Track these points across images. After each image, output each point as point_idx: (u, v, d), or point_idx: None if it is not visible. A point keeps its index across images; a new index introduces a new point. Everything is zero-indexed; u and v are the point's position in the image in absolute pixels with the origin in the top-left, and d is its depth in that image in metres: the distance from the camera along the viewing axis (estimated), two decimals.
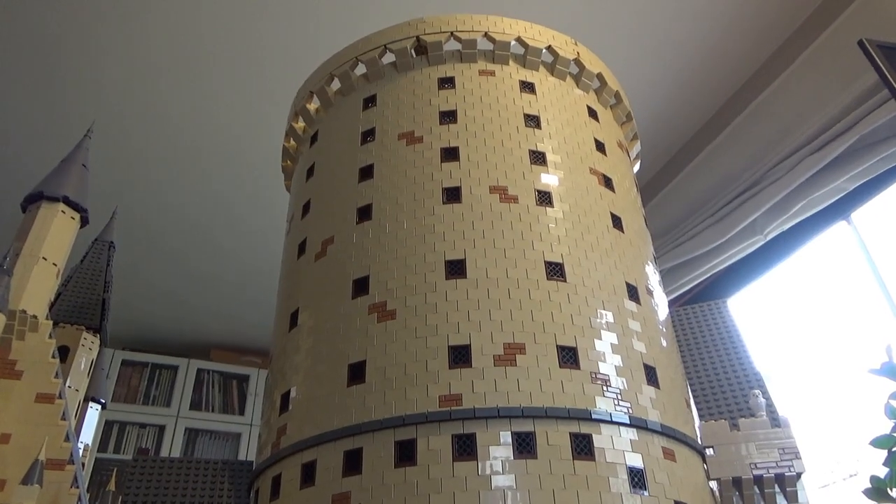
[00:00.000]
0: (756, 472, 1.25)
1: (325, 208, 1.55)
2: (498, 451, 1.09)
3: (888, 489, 2.01)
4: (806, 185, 2.59)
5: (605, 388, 1.19)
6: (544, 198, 1.41)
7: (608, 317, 1.29)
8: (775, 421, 1.30)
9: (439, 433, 1.11)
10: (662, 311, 1.48)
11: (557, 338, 1.22)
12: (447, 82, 1.59)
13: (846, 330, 2.72)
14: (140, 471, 1.51)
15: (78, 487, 1.38)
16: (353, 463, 1.14)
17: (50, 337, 1.49)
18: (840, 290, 2.79)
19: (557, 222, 1.38)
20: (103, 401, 2.34)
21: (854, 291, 2.70)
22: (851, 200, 2.64)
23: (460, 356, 1.18)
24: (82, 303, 1.99)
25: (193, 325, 4.73)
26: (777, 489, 1.25)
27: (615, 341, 1.26)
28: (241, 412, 4.66)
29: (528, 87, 1.61)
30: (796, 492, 1.25)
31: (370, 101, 1.64)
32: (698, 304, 1.66)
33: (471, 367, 1.17)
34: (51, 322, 1.50)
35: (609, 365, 1.22)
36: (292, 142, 1.88)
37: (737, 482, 1.26)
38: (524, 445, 1.10)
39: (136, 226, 3.76)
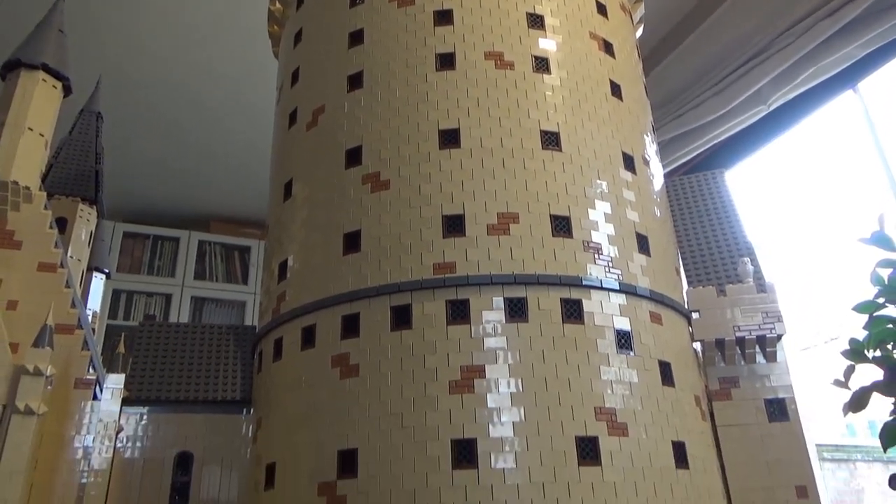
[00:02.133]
0: (739, 334, 1.31)
1: (314, 76, 1.50)
2: (490, 315, 1.12)
3: (865, 350, 2.11)
4: (815, 52, 2.50)
5: (596, 255, 1.21)
6: (541, 64, 1.36)
7: (603, 186, 1.29)
8: (761, 287, 1.34)
9: (433, 299, 1.14)
10: (658, 181, 1.47)
11: (551, 207, 1.22)
12: None
13: (843, 201, 2.73)
14: (148, 335, 1.57)
15: (89, 350, 1.44)
16: (350, 327, 1.18)
17: (45, 208, 1.49)
18: (840, 162, 2.77)
19: (554, 90, 1.34)
20: (107, 270, 2.39)
21: (854, 163, 2.68)
22: (859, 69, 2.55)
23: (454, 225, 1.19)
24: (75, 174, 1.98)
25: (192, 198, 4.73)
26: (757, 349, 1.31)
27: (608, 211, 1.27)
28: (245, 282, 4.77)
29: None
30: (776, 352, 1.31)
31: None
32: (694, 175, 1.65)
33: (464, 236, 1.19)
34: (44, 193, 1.50)
35: (601, 234, 1.24)
36: (278, 4, 1.78)
37: (720, 343, 1.32)
38: (516, 310, 1.13)
39: (126, 97, 3.66)
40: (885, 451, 2.44)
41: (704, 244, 1.47)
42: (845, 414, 2.83)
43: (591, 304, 1.16)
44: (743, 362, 1.32)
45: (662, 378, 1.18)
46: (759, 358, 1.31)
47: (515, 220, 1.20)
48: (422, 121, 1.30)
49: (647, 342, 1.19)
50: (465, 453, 1.03)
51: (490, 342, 1.10)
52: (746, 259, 1.36)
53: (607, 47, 1.49)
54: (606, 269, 1.20)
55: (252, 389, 1.43)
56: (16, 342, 1.33)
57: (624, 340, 1.16)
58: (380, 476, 1.05)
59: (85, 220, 2.00)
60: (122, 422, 1.38)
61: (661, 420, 1.13)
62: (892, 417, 2.26)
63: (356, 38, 1.44)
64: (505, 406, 1.06)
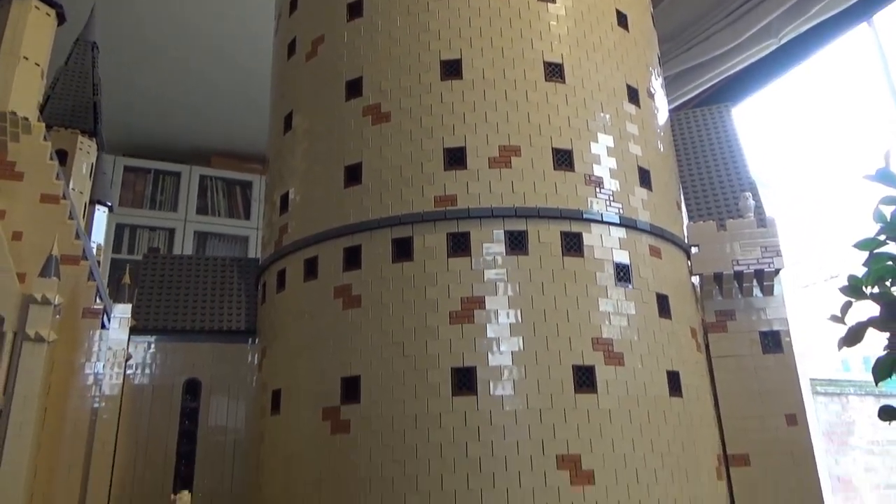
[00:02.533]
0: (737, 269, 1.32)
1: (313, 5, 1.47)
2: (491, 247, 1.14)
3: (863, 287, 2.13)
4: None
5: (597, 189, 1.21)
6: None
7: (606, 119, 1.28)
8: (762, 222, 1.34)
9: (434, 231, 1.15)
10: (662, 115, 1.46)
11: (553, 140, 1.21)
12: None
13: (852, 138, 2.70)
14: (153, 267, 1.59)
15: (95, 281, 1.46)
16: (352, 259, 1.19)
17: (45, 139, 1.48)
18: (851, 98, 2.72)
19: (559, 19, 1.31)
20: (109, 203, 2.40)
21: (865, 99, 2.63)
22: (875, 0, 2.47)
23: (455, 158, 1.19)
24: (73, 106, 1.96)
25: (193, 132, 4.68)
26: (755, 283, 1.33)
27: (611, 144, 1.26)
28: (247, 217, 4.77)
29: None
30: (773, 286, 1.33)
31: None
32: (699, 109, 1.63)
33: (466, 168, 1.18)
34: (43, 124, 1.49)
35: (603, 167, 1.23)
36: None
37: (717, 277, 1.33)
38: (516, 243, 1.14)
39: (123, 27, 3.57)
40: (876, 384, 2.50)
41: (707, 179, 1.46)
42: (840, 348, 2.88)
43: (591, 237, 1.17)
44: (740, 296, 1.33)
45: (659, 310, 1.20)
46: (756, 291, 1.33)
47: (517, 153, 1.19)
48: (423, 51, 1.27)
49: (645, 275, 1.20)
50: (464, 381, 1.06)
51: (490, 274, 1.12)
52: (748, 194, 1.36)
53: None
54: (607, 202, 1.21)
55: (256, 320, 1.45)
56: (22, 272, 1.35)
57: (623, 273, 1.18)
58: (382, 402, 1.08)
59: (85, 153, 1.99)
60: (131, 350, 1.41)
61: (656, 351, 1.16)
62: (885, 352, 2.30)
63: None
64: (504, 336, 1.08)
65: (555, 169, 1.20)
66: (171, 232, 4.58)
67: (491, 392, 1.05)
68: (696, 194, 1.45)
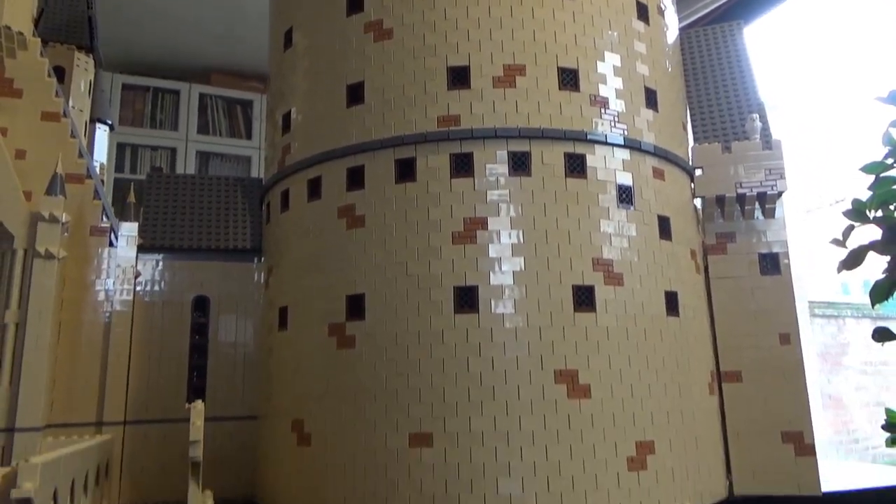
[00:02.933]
0: (740, 191, 1.32)
1: None
2: (494, 168, 1.14)
3: (867, 211, 2.13)
4: None
5: (603, 110, 1.20)
6: None
7: (613, 37, 1.25)
8: (767, 144, 1.33)
9: (437, 152, 1.15)
10: (672, 33, 1.42)
11: (559, 59, 1.19)
12: None
13: (865, 60, 2.63)
14: (157, 185, 1.60)
15: (100, 199, 1.47)
16: (355, 179, 1.20)
17: (41, 55, 1.46)
18: (865, 18, 2.63)
19: None
20: (110, 122, 2.38)
21: (880, 19, 2.55)
22: None
23: (459, 77, 1.17)
24: (68, 20, 1.91)
25: (191, 48, 4.57)
26: (757, 206, 1.33)
27: (618, 63, 1.24)
28: (249, 136, 4.73)
29: None
30: (774, 208, 1.33)
31: None
32: (710, 27, 1.59)
33: (469, 88, 1.17)
34: (39, 40, 1.46)
35: (609, 87, 1.22)
36: None
37: (720, 200, 1.34)
38: (519, 164, 1.14)
39: None
40: (873, 306, 2.54)
41: (714, 100, 1.44)
42: (839, 271, 2.91)
43: (595, 158, 1.17)
44: (741, 218, 1.34)
45: (660, 232, 1.21)
46: (758, 214, 1.33)
47: (522, 73, 1.17)
48: None
49: (647, 197, 1.21)
50: (466, 299, 1.09)
51: (493, 195, 1.12)
52: (755, 115, 1.35)
53: None
54: (612, 123, 1.20)
55: (261, 239, 1.47)
56: (28, 190, 1.36)
57: (625, 195, 1.18)
58: (386, 319, 1.11)
59: (83, 70, 1.96)
60: (140, 267, 1.44)
61: (655, 272, 1.18)
62: (884, 276, 2.33)
63: None
64: (506, 256, 1.10)
65: (560, 89, 1.18)
66: (173, 151, 4.55)
67: (492, 310, 1.08)
68: (702, 115, 1.43)
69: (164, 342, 1.44)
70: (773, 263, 1.31)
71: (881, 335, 2.45)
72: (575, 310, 1.09)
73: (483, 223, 1.11)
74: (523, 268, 1.10)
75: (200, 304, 1.49)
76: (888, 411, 2.88)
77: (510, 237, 1.11)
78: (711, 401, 1.24)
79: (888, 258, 2.35)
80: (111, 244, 1.44)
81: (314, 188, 1.25)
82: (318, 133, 1.26)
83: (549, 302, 1.09)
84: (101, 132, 2.36)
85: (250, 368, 1.45)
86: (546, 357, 1.07)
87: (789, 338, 1.28)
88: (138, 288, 1.43)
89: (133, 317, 1.41)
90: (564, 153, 1.15)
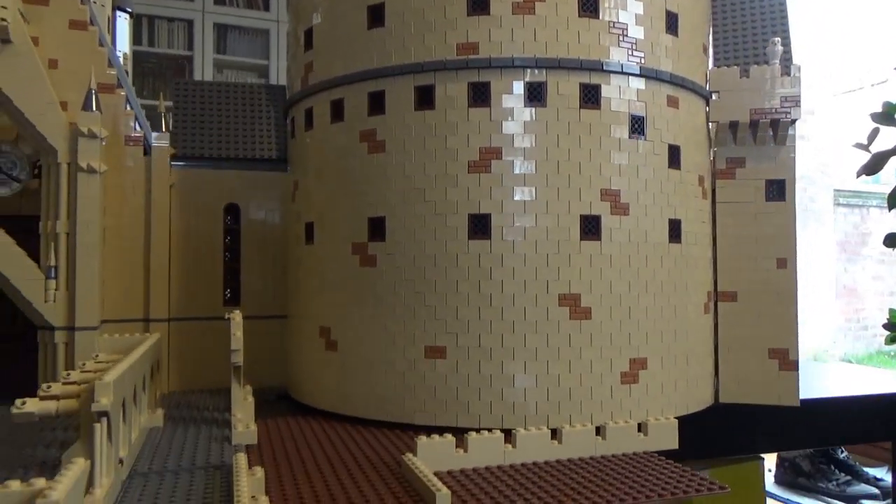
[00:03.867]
0: (754, 118, 1.34)
1: None
2: (510, 100, 1.17)
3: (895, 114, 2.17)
4: None
5: (621, 38, 1.20)
6: None
7: None
8: (787, 70, 1.33)
9: (456, 80, 1.18)
10: None
11: None
12: None
13: None
14: (184, 94, 1.64)
15: (132, 109, 1.53)
16: (376, 104, 1.24)
17: None
18: None
19: None
20: (130, 9, 2.36)
21: None
22: None
23: (479, 3, 1.17)
24: None
25: None
26: (770, 132, 1.35)
27: None
28: (266, 8, 4.63)
29: None
30: (786, 136, 1.35)
31: None
32: None
33: (489, 14, 1.17)
34: None
35: (629, 13, 1.21)
36: None
37: (733, 125, 1.36)
38: (535, 95, 1.17)
39: None
40: (889, 210, 2.61)
41: (740, 21, 1.42)
42: (858, 176, 2.97)
43: (610, 89, 1.19)
44: (753, 143, 1.37)
45: (670, 161, 1.25)
46: (769, 140, 1.36)
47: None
48: None
49: (660, 127, 1.24)
50: (479, 226, 1.16)
51: (508, 126, 1.17)
52: (777, 39, 1.33)
53: None
54: (629, 52, 1.21)
55: (287, 149, 1.53)
56: (63, 100, 1.41)
57: (637, 126, 1.21)
58: (405, 242, 1.20)
59: None
60: (173, 177, 1.52)
61: (661, 201, 1.23)
62: None
63: None
64: (518, 186, 1.16)
65: (579, 16, 1.18)
66: (190, 24, 4.48)
67: (503, 237, 1.16)
68: (725, 37, 1.41)
69: (199, 247, 1.55)
70: (779, 190, 1.36)
71: (892, 241, 2.55)
72: (581, 238, 1.17)
73: (498, 153, 1.17)
74: (535, 197, 1.16)
75: (232, 211, 1.58)
76: (891, 311, 3.01)
77: (523, 167, 1.16)
78: (706, 319, 1.34)
79: None
80: (146, 153, 1.51)
81: (337, 110, 1.29)
82: (340, 54, 1.29)
83: (558, 230, 1.16)
84: (122, 21, 2.35)
85: (280, 271, 1.56)
86: (552, 282, 1.16)
87: (786, 262, 1.35)
88: (173, 196, 1.52)
89: (170, 223, 1.51)
90: (580, 83, 1.18)
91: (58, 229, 1.33)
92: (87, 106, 1.35)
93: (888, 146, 2.94)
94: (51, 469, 0.91)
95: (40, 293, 1.31)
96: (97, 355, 1.23)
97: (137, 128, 1.52)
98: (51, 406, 0.83)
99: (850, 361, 5.52)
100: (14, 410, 0.81)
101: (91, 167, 1.33)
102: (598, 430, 1.06)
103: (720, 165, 1.39)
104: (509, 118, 1.17)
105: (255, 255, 1.59)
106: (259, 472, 0.85)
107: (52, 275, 1.32)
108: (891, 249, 3.19)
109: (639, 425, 1.08)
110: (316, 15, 1.34)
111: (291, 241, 1.47)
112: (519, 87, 1.17)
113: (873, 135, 3.10)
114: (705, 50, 1.38)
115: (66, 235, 1.33)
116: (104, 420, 0.78)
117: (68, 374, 0.99)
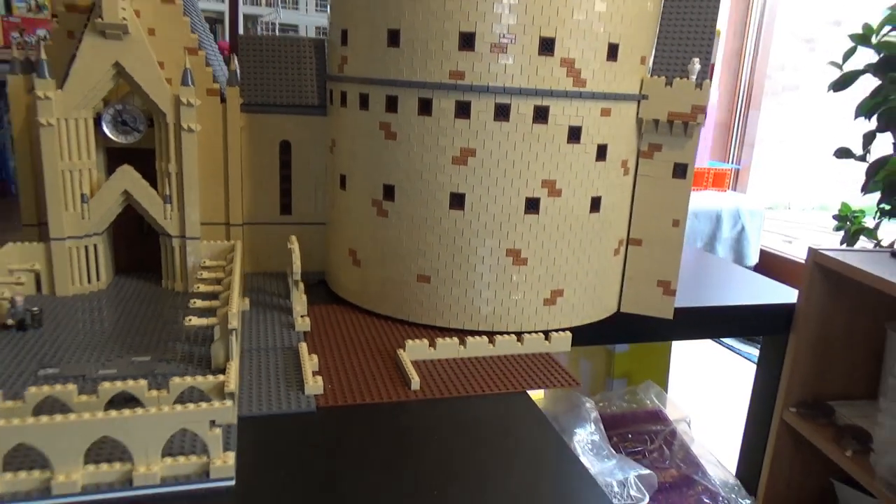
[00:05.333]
0: (670, 118, 1.81)
1: None
2: (484, 115, 1.66)
3: (872, 35, 2.69)
4: None
5: (568, 69, 1.66)
6: None
7: (594, 7, 1.63)
8: (699, 85, 1.77)
9: (447, 98, 1.67)
10: None
11: (542, 30, 1.61)
12: None
13: None
14: (249, 48, 2.11)
15: (211, 66, 2.02)
16: (391, 104, 1.74)
17: None
18: None
19: None
20: None
21: None
22: None
23: (467, 42, 1.62)
24: None
25: None
26: (683, 129, 1.83)
27: (588, 28, 1.64)
28: None
29: None
30: (693, 133, 1.83)
31: None
32: None
33: (474, 51, 1.63)
34: None
35: (578, 49, 1.65)
36: None
37: (656, 122, 1.84)
38: (502, 113, 1.66)
39: None
40: (855, 119, 3.26)
41: (676, 38, 1.82)
42: (828, 90, 3.55)
43: (556, 108, 1.67)
44: (669, 135, 1.85)
45: (597, 156, 1.76)
46: (680, 134, 1.84)
47: (513, 42, 1.61)
48: None
49: (592, 132, 1.73)
50: (457, 201, 1.72)
51: (481, 134, 1.67)
52: (696, 59, 1.76)
53: None
54: (574, 80, 1.67)
55: (326, 98, 2.04)
56: (161, 61, 1.91)
57: (574, 134, 1.71)
58: (407, 205, 1.77)
59: None
60: (241, 122, 2.05)
61: (587, 184, 1.77)
62: (869, 94, 3.01)
63: None
64: (485, 176, 1.70)
65: (539, 54, 1.63)
66: None
67: (472, 209, 1.72)
68: (663, 52, 1.83)
69: (262, 172, 2.12)
70: (682, 171, 1.87)
71: (842, 154, 3.20)
72: (525, 213, 1.73)
73: (473, 152, 1.69)
74: (496, 184, 1.70)
75: (285, 147, 2.13)
76: (843, 204, 3.73)
77: (489, 163, 1.69)
78: (616, 260, 1.93)
79: (879, 82, 3.08)
80: (222, 100, 2.03)
81: (363, 101, 1.79)
82: (368, 60, 1.76)
83: (509, 206, 1.72)
84: None
85: (321, 191, 2.15)
86: (502, 240, 1.74)
87: (678, 223, 1.90)
88: (243, 135, 2.07)
89: (241, 155, 2.08)
90: (534, 105, 1.66)
91: (169, 169, 1.90)
92: (184, 82, 1.85)
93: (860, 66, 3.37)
94: (206, 362, 1.51)
95: (161, 213, 1.92)
96: (205, 261, 1.89)
97: (214, 82, 2.02)
98: (203, 321, 1.49)
99: None
100: (186, 324, 1.47)
101: (190, 128, 1.87)
102: (518, 337, 1.71)
103: (643, 148, 1.89)
104: (483, 128, 1.67)
105: (302, 179, 2.16)
106: (315, 357, 1.53)
107: (168, 201, 1.92)
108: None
109: (545, 334, 1.73)
110: (351, 24, 1.79)
111: (330, 182, 2.04)
112: (491, 107, 1.66)
113: (848, 53, 3.51)
114: (644, 61, 1.81)
115: (175, 174, 1.92)
116: (234, 332, 1.44)
117: (198, 287, 1.65)
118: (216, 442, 1.10)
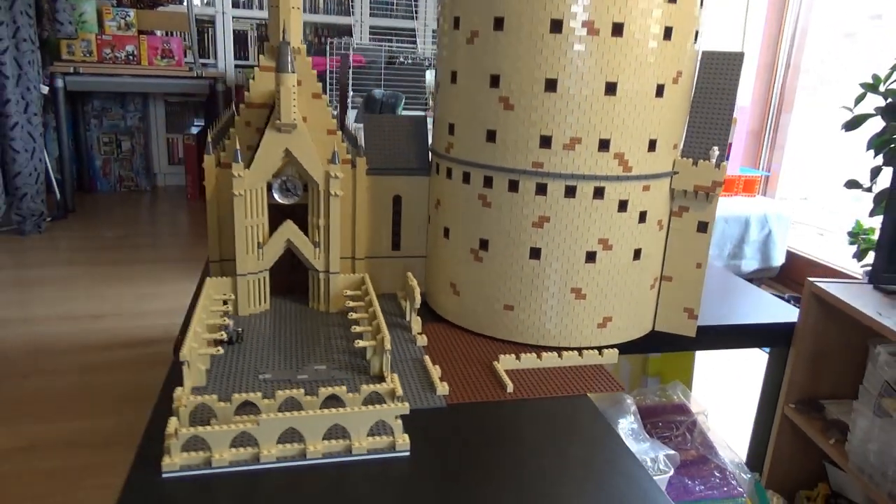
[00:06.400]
0: (695, 190, 2.41)
1: None
2: (557, 193, 2.29)
3: (880, 85, 3.34)
4: None
5: (619, 160, 2.27)
6: None
7: (639, 116, 2.23)
8: (717, 167, 2.36)
9: (530, 180, 2.30)
10: (685, 95, 2.33)
11: (601, 133, 2.23)
12: None
13: None
14: (371, 125, 2.76)
15: (345, 143, 2.68)
16: (487, 182, 2.37)
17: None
18: None
19: None
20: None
21: None
22: None
23: (546, 140, 2.25)
24: None
25: None
26: (705, 197, 2.43)
27: (635, 131, 2.25)
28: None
29: None
30: (713, 199, 2.43)
31: None
32: (720, 53, 2.43)
33: (550, 149, 2.25)
34: (304, 46, 2.51)
35: (626, 146, 2.26)
36: None
37: (684, 191, 2.44)
38: (570, 192, 2.29)
39: None
40: (865, 151, 3.98)
41: (703, 125, 2.42)
42: (840, 129, 4.27)
43: (609, 189, 2.29)
44: (695, 199, 2.46)
45: (639, 219, 2.37)
46: (703, 200, 2.44)
47: (580, 141, 2.23)
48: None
49: (636, 203, 2.34)
50: (535, 253, 2.35)
51: (554, 205, 2.30)
52: (716, 147, 2.35)
53: None
54: (622, 167, 2.28)
55: (428, 164, 2.68)
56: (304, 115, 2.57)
57: (623, 205, 2.33)
58: (497, 254, 2.40)
59: None
60: (366, 184, 2.71)
61: (631, 240, 2.38)
62: (878, 133, 3.75)
63: None
64: (556, 234, 2.33)
65: (598, 151, 2.25)
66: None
67: (546, 259, 2.35)
68: (691, 137, 2.43)
69: (379, 219, 2.79)
70: (703, 226, 2.47)
71: (851, 125, 3.97)
72: (584, 262, 2.35)
73: (548, 219, 2.31)
74: (564, 242, 2.34)
75: (396, 200, 2.79)
76: (857, 222, 4.46)
77: (560, 227, 2.32)
78: (652, 293, 2.55)
79: (885, 124, 3.88)
80: (352, 166, 2.69)
81: (466, 177, 2.42)
82: (469, 149, 2.39)
83: (574, 258, 2.35)
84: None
85: (422, 233, 2.81)
86: (568, 282, 2.37)
87: (700, 265, 2.51)
88: (367, 192, 2.73)
89: (367, 207, 2.74)
90: (594, 186, 2.27)
91: (319, 224, 2.58)
92: (333, 161, 2.51)
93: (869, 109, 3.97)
94: (364, 369, 2.23)
95: (312, 254, 2.60)
96: (346, 291, 2.57)
97: (349, 155, 2.68)
98: (369, 343, 2.16)
99: None
100: (356, 345, 2.14)
101: (336, 193, 2.54)
102: (579, 352, 2.35)
103: (674, 209, 2.49)
104: (556, 202, 2.28)
105: (408, 222, 2.82)
106: (438, 368, 2.19)
107: (317, 245, 2.60)
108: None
109: (598, 350, 2.37)
110: (457, 121, 2.42)
111: (433, 230, 2.69)
112: (562, 188, 2.27)
113: (859, 98, 4.14)
114: (675, 147, 2.42)
115: (323, 227, 2.59)
116: (387, 351, 2.11)
117: (350, 315, 2.33)
118: (399, 428, 1.78)
